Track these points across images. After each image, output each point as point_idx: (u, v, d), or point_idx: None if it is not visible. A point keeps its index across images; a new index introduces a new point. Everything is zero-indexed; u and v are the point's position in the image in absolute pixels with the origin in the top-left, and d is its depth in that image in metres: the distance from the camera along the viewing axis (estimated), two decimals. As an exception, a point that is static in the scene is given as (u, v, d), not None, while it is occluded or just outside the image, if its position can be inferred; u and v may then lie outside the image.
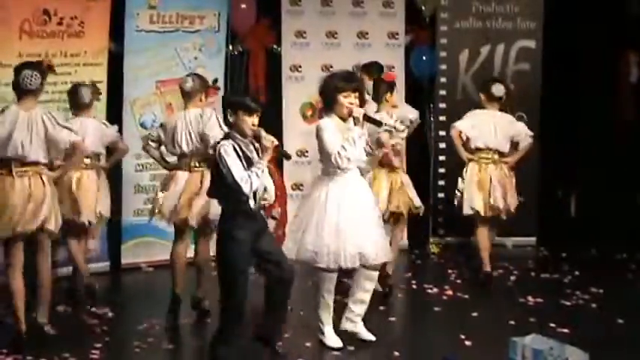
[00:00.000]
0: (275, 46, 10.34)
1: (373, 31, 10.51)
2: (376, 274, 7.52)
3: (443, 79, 10.64)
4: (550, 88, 10.67)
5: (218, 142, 6.70)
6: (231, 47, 10.13)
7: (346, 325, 7.50)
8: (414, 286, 9.24)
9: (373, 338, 7.47)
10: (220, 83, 10.00)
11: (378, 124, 7.45)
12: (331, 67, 10.32)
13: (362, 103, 7.32)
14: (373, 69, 9.39)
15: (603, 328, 7.86)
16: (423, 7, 10.72)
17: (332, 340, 7.38)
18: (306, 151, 10.35)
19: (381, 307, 8.41)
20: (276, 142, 6.73)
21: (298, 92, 10.16)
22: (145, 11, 9.49)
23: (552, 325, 7.89)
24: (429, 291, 9.10)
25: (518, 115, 10.00)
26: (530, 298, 8.76)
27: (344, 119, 7.29)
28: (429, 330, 8.06)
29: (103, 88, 9.21)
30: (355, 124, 7.19)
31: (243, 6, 10.11)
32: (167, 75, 9.68)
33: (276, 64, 10.35)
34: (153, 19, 9.54)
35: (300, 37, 10.34)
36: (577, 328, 7.81)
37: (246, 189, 6.54)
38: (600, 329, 7.82)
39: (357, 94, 7.26)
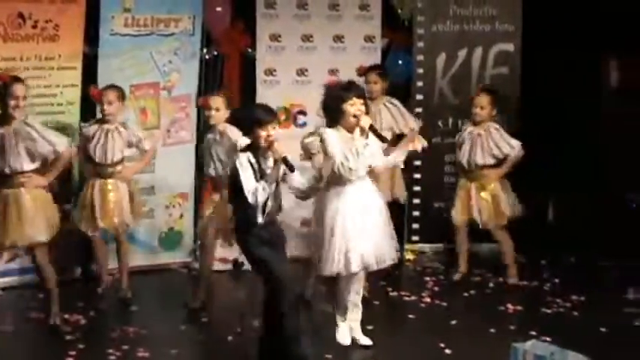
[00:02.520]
0: (250, 50, 10.19)
1: (349, 34, 10.36)
2: (363, 274, 7.56)
3: (420, 83, 10.51)
4: (529, 92, 10.57)
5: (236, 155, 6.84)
6: (205, 51, 9.97)
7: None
8: (391, 294, 9.14)
9: (370, 342, 7.58)
10: (194, 87, 9.86)
11: (383, 139, 7.37)
12: (306, 71, 10.24)
13: (367, 111, 7.27)
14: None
15: (586, 337, 7.77)
16: (400, 10, 10.61)
17: (343, 337, 7.60)
18: (281, 157, 10.19)
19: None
20: (283, 154, 6.73)
21: (273, 96, 9.95)
22: (120, 14, 9.32)
23: (533, 333, 7.82)
24: (406, 298, 9.02)
25: (496, 120, 9.90)
26: (509, 306, 8.72)
27: (350, 130, 7.24)
28: (407, 338, 7.98)
29: (77, 92, 9.14)
30: (361, 134, 7.16)
31: (219, 9, 9.94)
32: (141, 79, 9.54)
33: (251, 67, 10.19)
34: (128, 23, 9.36)
35: (275, 40, 10.18)
36: (559, 337, 7.70)
37: (251, 200, 6.63)
38: (583, 338, 7.72)
39: (362, 100, 7.22)
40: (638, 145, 10.61)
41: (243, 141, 7.46)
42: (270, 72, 10.18)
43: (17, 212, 7.70)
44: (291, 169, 6.85)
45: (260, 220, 6.76)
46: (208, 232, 8.53)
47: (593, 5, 10.39)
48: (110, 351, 7.43)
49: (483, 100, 9.34)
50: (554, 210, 11.23)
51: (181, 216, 9.97)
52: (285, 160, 6.75)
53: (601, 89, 10.83)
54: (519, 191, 10.53)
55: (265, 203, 6.74)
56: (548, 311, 8.64)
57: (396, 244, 7.61)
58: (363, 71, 9.54)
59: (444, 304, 8.85)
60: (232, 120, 7.88)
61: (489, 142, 9.29)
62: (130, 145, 8.77)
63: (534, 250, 10.46)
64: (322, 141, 7.33)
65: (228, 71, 10.11)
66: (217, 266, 9.69)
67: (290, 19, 10.22)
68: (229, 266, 9.85)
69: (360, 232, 7.28)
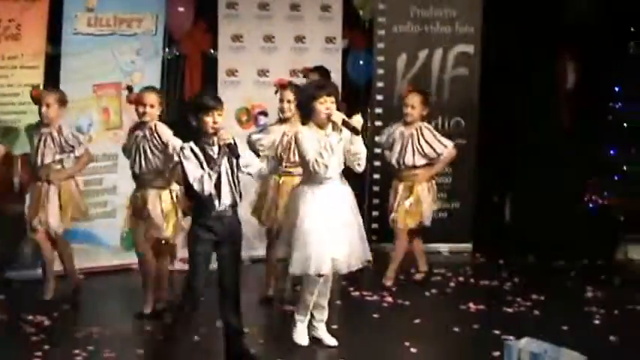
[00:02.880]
0: (211, 50, 10.17)
1: (310, 35, 10.40)
2: (330, 277, 7.56)
3: (380, 84, 10.57)
4: (488, 93, 10.67)
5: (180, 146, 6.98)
6: (167, 51, 9.94)
7: (311, 332, 7.65)
8: (353, 294, 9.17)
9: (336, 342, 7.60)
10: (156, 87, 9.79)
11: (355, 131, 7.30)
12: (268, 71, 10.24)
13: (338, 108, 7.33)
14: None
15: (549, 336, 7.75)
16: (361, 11, 10.65)
17: (301, 337, 7.59)
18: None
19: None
20: (228, 140, 6.77)
21: (234, 97, 9.96)
22: (83, 13, 9.26)
23: (497, 332, 7.89)
24: (369, 298, 9.04)
25: (456, 120, 10.01)
26: (471, 305, 8.76)
27: (322, 127, 7.31)
28: (372, 337, 7.94)
29: (39, 92, 9.03)
30: (334, 130, 7.21)
31: (181, 9, 9.92)
32: (104, 79, 9.49)
33: (213, 68, 10.17)
34: (90, 22, 9.31)
35: (236, 40, 10.17)
36: (523, 336, 7.73)
37: (197, 187, 6.70)
38: (546, 336, 7.71)
39: (332, 98, 7.28)
40: (594, 144, 10.77)
41: (176, 142, 7.71)
42: (231, 72, 10.17)
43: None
44: (236, 155, 6.86)
45: (215, 208, 6.81)
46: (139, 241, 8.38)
47: (551, 8, 10.50)
48: (76, 351, 7.35)
49: (414, 99, 9.27)
50: (511, 210, 11.33)
51: (143, 216, 9.91)
52: (229, 146, 6.78)
53: (557, 90, 10.95)
54: (479, 192, 10.71)
55: (219, 193, 6.80)
56: (510, 310, 8.69)
57: (366, 246, 7.57)
58: (305, 72, 9.55)
59: (407, 303, 8.88)
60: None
61: (421, 142, 9.25)
62: (62, 150, 8.59)
63: (492, 250, 10.62)
64: (297, 140, 7.39)
65: (189, 71, 10.10)
66: (179, 266, 9.65)
67: (252, 19, 10.23)
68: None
69: (332, 234, 7.29)
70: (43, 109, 8.47)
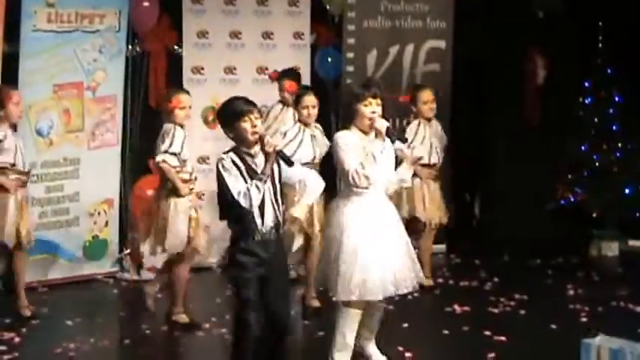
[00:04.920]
0: (176, 47, 9.77)
1: (278, 31, 10.07)
2: (383, 305, 6.87)
3: (349, 81, 10.23)
4: (460, 89, 10.45)
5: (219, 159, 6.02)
6: (130, 48, 9.51)
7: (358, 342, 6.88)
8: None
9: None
10: (120, 87, 9.40)
11: (403, 139, 6.82)
12: (235, 69, 9.90)
13: (384, 113, 6.59)
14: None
15: (539, 335, 7.68)
16: (329, 6, 10.34)
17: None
18: (208, 158, 9.78)
19: (306, 322, 8.08)
20: (278, 147, 6.02)
21: (200, 95, 9.53)
22: (43, 9, 8.78)
23: (488, 333, 7.69)
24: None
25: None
26: (456, 307, 8.53)
27: (366, 132, 6.57)
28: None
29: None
30: (376, 137, 6.51)
31: (146, 4, 9.49)
32: (65, 78, 9.03)
33: (177, 65, 9.77)
34: (51, 18, 8.83)
35: (202, 37, 9.79)
36: (513, 336, 7.61)
37: (244, 202, 5.83)
38: (536, 336, 7.66)
39: (378, 100, 6.53)
40: (565, 140, 10.65)
41: None
42: (197, 70, 9.80)
43: None
44: (289, 162, 6.05)
45: (258, 231, 5.94)
46: None
47: (521, 4, 10.38)
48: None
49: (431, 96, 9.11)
50: (483, 208, 11.19)
51: (107, 224, 9.47)
52: (279, 153, 6.00)
53: (528, 86, 10.81)
54: (452, 192, 10.51)
55: (263, 209, 5.92)
56: (496, 311, 8.50)
57: (418, 267, 6.79)
58: (275, 77, 9.21)
59: (391, 307, 8.57)
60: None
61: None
62: None
63: (465, 250, 10.45)
64: (334, 145, 6.57)
65: (153, 69, 9.70)
66: (146, 275, 9.28)
67: (218, 14, 9.89)
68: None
69: (379, 254, 6.47)
70: (16, 108, 8.03)
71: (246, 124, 5.91)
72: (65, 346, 7.40)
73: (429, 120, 9.09)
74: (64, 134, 9.09)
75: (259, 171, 5.92)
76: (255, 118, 5.94)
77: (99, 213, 9.41)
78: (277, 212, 6.02)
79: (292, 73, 9.18)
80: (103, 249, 9.48)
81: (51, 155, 9.02)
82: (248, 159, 5.96)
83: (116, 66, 9.34)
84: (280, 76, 9.13)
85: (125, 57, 9.46)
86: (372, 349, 6.91)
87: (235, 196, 5.83)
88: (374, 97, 6.51)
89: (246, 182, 5.87)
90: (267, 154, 5.94)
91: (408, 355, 7.23)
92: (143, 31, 9.59)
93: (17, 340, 7.60)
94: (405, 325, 8.03)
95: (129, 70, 9.49)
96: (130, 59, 9.51)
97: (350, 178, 6.44)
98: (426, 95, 9.06)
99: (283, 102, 9.06)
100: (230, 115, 5.98)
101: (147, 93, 9.66)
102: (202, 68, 9.81)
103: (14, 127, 8.18)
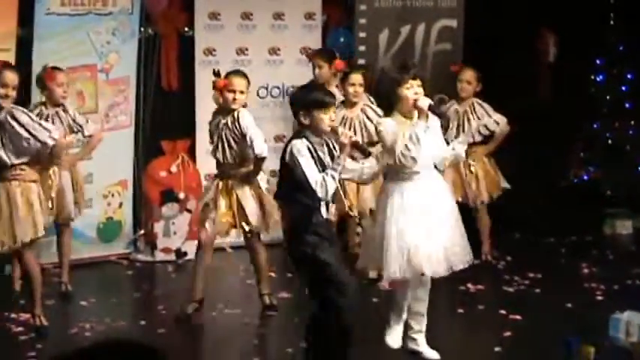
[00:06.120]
0: (187, 29, 9.74)
1: (289, 11, 10.00)
2: (429, 280, 6.81)
3: (362, 61, 10.20)
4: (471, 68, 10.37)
5: (289, 141, 6.08)
6: (142, 30, 9.48)
7: (409, 345, 6.90)
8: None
9: (438, 357, 6.87)
10: (133, 69, 9.39)
11: (444, 117, 6.94)
12: (246, 50, 9.85)
13: (425, 91, 6.60)
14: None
15: (555, 314, 7.68)
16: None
17: (392, 339, 6.85)
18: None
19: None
20: (354, 138, 6.14)
21: (212, 77, 9.55)
22: (57, -8, 8.76)
23: (503, 312, 7.74)
24: (364, 281, 8.71)
25: (440, 97, 9.72)
26: (470, 285, 8.53)
27: (407, 116, 6.57)
28: (378, 322, 7.43)
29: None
30: (419, 118, 6.46)
31: (158, -15, 9.48)
32: (78, 61, 8.99)
33: (189, 48, 9.74)
34: (64, 1, 8.80)
35: (214, 19, 9.75)
36: (529, 315, 7.64)
37: (321, 193, 5.91)
38: (553, 315, 7.65)
39: (418, 82, 6.55)
40: (577, 118, 10.62)
41: (256, 134, 7.22)
42: (209, 52, 9.75)
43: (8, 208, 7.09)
44: (366, 153, 6.21)
45: (324, 215, 6.09)
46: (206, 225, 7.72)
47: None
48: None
49: (469, 74, 9.35)
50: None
51: (120, 205, 9.48)
52: (357, 145, 6.11)
53: (540, 64, 10.75)
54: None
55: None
56: (510, 289, 8.53)
57: (467, 244, 6.81)
58: (310, 56, 9.25)
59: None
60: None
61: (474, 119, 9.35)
62: (71, 130, 8.16)
63: (478, 229, 10.37)
64: (379, 132, 6.64)
65: (165, 52, 9.65)
66: (160, 256, 9.32)
67: (229, -5, 9.85)
68: (172, 256, 9.43)
69: (427, 231, 6.52)
70: (59, 89, 8.06)
71: (326, 116, 6.03)
72: (81, 326, 7.48)
73: (463, 100, 9.31)
74: (78, 116, 9.08)
75: (325, 161, 6.01)
76: (334, 112, 6.13)
77: (112, 195, 9.43)
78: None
79: (329, 52, 9.20)
80: (117, 230, 9.51)
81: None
82: (318, 148, 6.06)
83: (129, 48, 9.31)
84: (314, 56, 9.15)
85: (138, 39, 9.42)
86: (422, 345, 6.91)
87: (312, 185, 5.90)
88: (414, 78, 6.54)
89: (319, 172, 5.95)
90: (341, 145, 6.02)
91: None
92: (155, 13, 9.54)
93: (33, 321, 7.60)
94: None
95: (141, 53, 9.45)
96: (142, 41, 9.47)
97: (397, 160, 6.45)
98: (463, 74, 9.32)
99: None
100: (313, 102, 6.08)
101: (159, 75, 9.62)
102: (214, 50, 9.75)
103: (62, 107, 8.18)
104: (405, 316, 6.84)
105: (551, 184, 10.75)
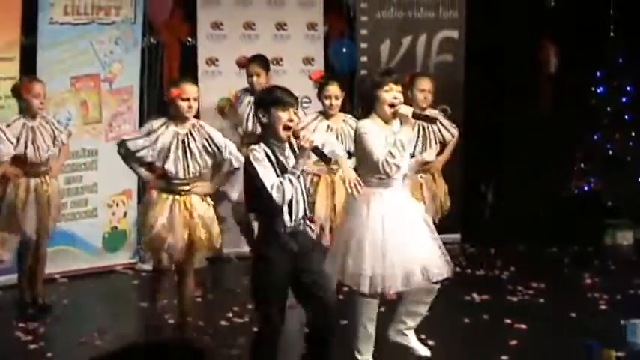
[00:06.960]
0: (189, 39, 9.75)
1: (292, 22, 10.06)
2: (437, 286, 6.69)
3: (364, 72, 10.23)
4: (473, 79, 10.43)
5: (249, 148, 5.85)
6: (144, 40, 9.50)
7: (396, 338, 6.83)
8: (345, 289, 8.80)
9: (429, 353, 6.84)
10: (136, 79, 9.38)
11: (432, 120, 6.77)
12: (249, 60, 9.86)
13: (405, 99, 6.46)
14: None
15: (560, 323, 7.69)
16: (345, -2, 10.36)
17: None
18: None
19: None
20: (314, 142, 5.80)
21: (215, 87, 9.59)
22: (60, 1, 8.76)
23: (508, 321, 7.71)
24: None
25: (442, 108, 9.75)
26: (475, 295, 8.53)
27: (387, 121, 6.42)
28: (385, 332, 7.58)
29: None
30: (402, 124, 6.32)
31: (161, -6, 9.51)
32: (82, 70, 9.01)
33: (191, 57, 9.76)
34: (67, 10, 8.82)
35: (216, 28, 9.79)
36: (534, 324, 7.64)
37: (277, 197, 5.65)
38: (557, 324, 7.67)
39: (399, 87, 6.39)
40: (574, 130, 10.65)
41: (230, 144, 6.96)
42: (211, 62, 9.79)
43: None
44: (326, 159, 5.95)
45: (287, 223, 5.79)
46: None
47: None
48: (84, 357, 6.93)
49: (429, 84, 8.74)
50: (497, 197, 11.17)
51: (125, 214, 9.48)
52: (315, 150, 5.82)
53: (540, 75, 10.80)
54: (466, 181, 10.49)
55: (291, 203, 5.78)
56: (514, 299, 8.52)
57: (447, 256, 6.59)
58: (244, 63, 9.07)
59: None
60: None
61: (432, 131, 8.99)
62: (54, 141, 8.02)
63: (480, 239, 10.42)
64: (361, 135, 6.37)
65: (168, 61, 9.67)
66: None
67: (231, 6, 9.89)
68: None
69: (401, 243, 6.33)
70: (36, 100, 7.82)
71: (284, 114, 5.78)
72: (90, 334, 7.41)
73: (423, 110, 8.55)
74: (82, 126, 9.10)
75: (288, 165, 5.78)
76: (294, 112, 5.82)
77: (117, 204, 9.42)
78: (306, 203, 5.92)
79: (261, 58, 9.07)
80: (121, 240, 9.51)
81: (70, 147, 8.98)
82: (278, 152, 5.82)
83: (132, 57, 9.33)
84: (250, 62, 9.03)
85: (141, 48, 9.43)
86: (413, 341, 6.87)
87: (269, 190, 5.67)
88: (395, 82, 6.39)
89: (277, 176, 5.73)
90: (301, 149, 5.79)
91: (430, 342, 7.18)
92: (158, 22, 9.57)
93: (42, 330, 7.61)
94: (426, 313, 8.04)
95: (145, 62, 9.47)
96: (145, 50, 9.48)
97: (380, 168, 6.28)
98: (422, 84, 8.71)
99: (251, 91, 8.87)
100: (271, 100, 5.84)
101: (162, 84, 9.63)
102: (217, 59, 9.79)
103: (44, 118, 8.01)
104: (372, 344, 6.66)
105: (553, 194, 10.78)
